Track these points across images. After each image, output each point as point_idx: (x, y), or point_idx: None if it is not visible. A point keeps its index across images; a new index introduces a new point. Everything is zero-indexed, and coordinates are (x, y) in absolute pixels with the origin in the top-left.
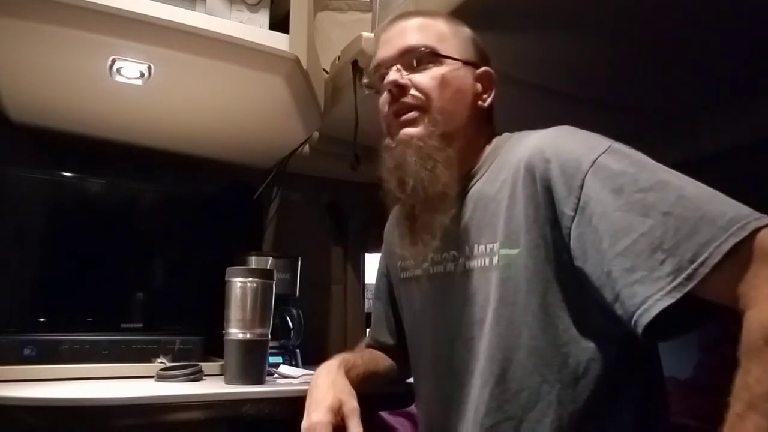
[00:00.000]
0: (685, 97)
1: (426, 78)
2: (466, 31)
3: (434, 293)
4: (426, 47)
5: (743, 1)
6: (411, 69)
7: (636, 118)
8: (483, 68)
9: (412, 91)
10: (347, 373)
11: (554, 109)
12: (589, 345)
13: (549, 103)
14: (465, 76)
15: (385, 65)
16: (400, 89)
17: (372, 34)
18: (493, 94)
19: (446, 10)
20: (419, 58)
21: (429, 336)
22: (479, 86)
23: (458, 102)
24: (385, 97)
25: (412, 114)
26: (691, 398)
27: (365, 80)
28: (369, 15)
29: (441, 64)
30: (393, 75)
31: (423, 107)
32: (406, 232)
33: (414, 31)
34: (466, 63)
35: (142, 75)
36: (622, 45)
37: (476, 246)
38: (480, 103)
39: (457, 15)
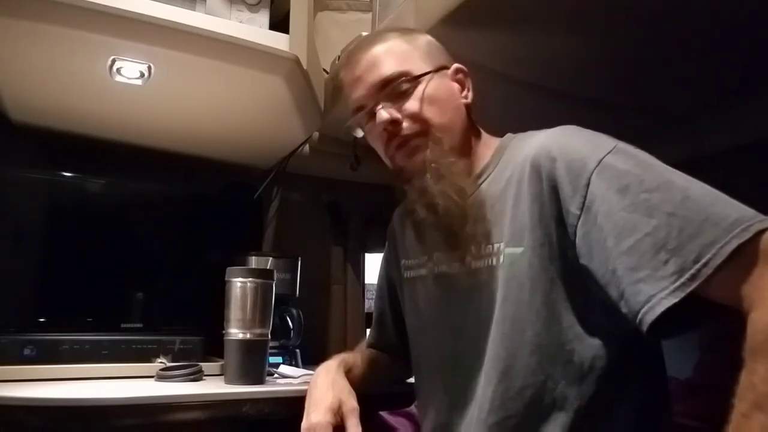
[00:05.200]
0: (686, 97)
1: (413, 104)
2: (421, 38)
3: (439, 292)
4: (400, 74)
5: (743, 0)
6: (394, 99)
7: (636, 118)
8: (453, 67)
9: (406, 122)
10: (347, 373)
11: (554, 109)
12: (593, 342)
13: (549, 103)
14: (442, 83)
15: (367, 104)
16: (395, 124)
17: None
18: (470, 87)
19: (446, 10)
20: (398, 87)
21: (434, 335)
22: (456, 86)
23: (448, 111)
24: (381, 135)
25: (415, 142)
26: (691, 398)
27: (348, 124)
28: (369, 15)
29: (419, 83)
30: (383, 114)
31: (422, 132)
32: (449, 246)
33: (380, 62)
34: (437, 71)
35: (142, 75)
36: (622, 45)
37: (482, 245)
38: (464, 101)
39: (457, 15)
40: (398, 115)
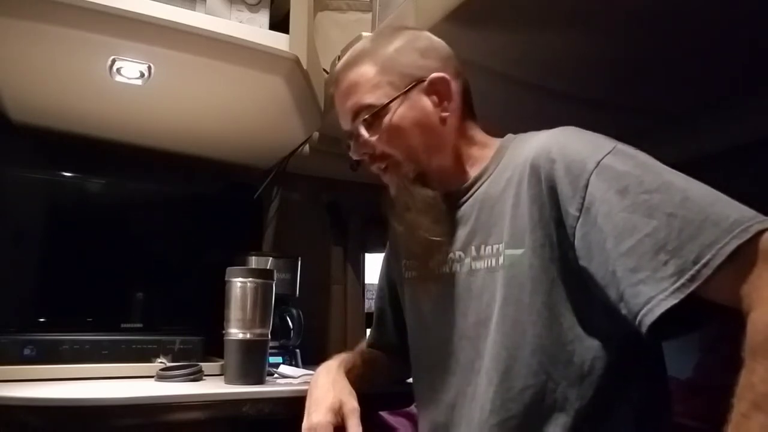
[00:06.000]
0: (686, 97)
1: (379, 138)
2: (400, 48)
3: (440, 293)
4: (365, 107)
5: (743, 0)
6: (366, 127)
7: (636, 118)
8: (430, 77)
9: (376, 152)
10: (347, 373)
11: (554, 109)
12: (593, 343)
13: (549, 103)
14: (414, 103)
15: (346, 128)
16: (368, 156)
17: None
18: (453, 95)
19: (446, 10)
20: (364, 121)
21: (434, 336)
22: (434, 98)
23: (417, 135)
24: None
25: (384, 174)
26: (691, 398)
27: (345, 147)
28: (369, 15)
29: (386, 112)
30: (354, 150)
31: (389, 165)
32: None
33: (349, 93)
34: (408, 90)
35: (142, 75)
36: (622, 45)
37: (483, 246)
38: (442, 114)
39: (457, 15)
40: (370, 147)
